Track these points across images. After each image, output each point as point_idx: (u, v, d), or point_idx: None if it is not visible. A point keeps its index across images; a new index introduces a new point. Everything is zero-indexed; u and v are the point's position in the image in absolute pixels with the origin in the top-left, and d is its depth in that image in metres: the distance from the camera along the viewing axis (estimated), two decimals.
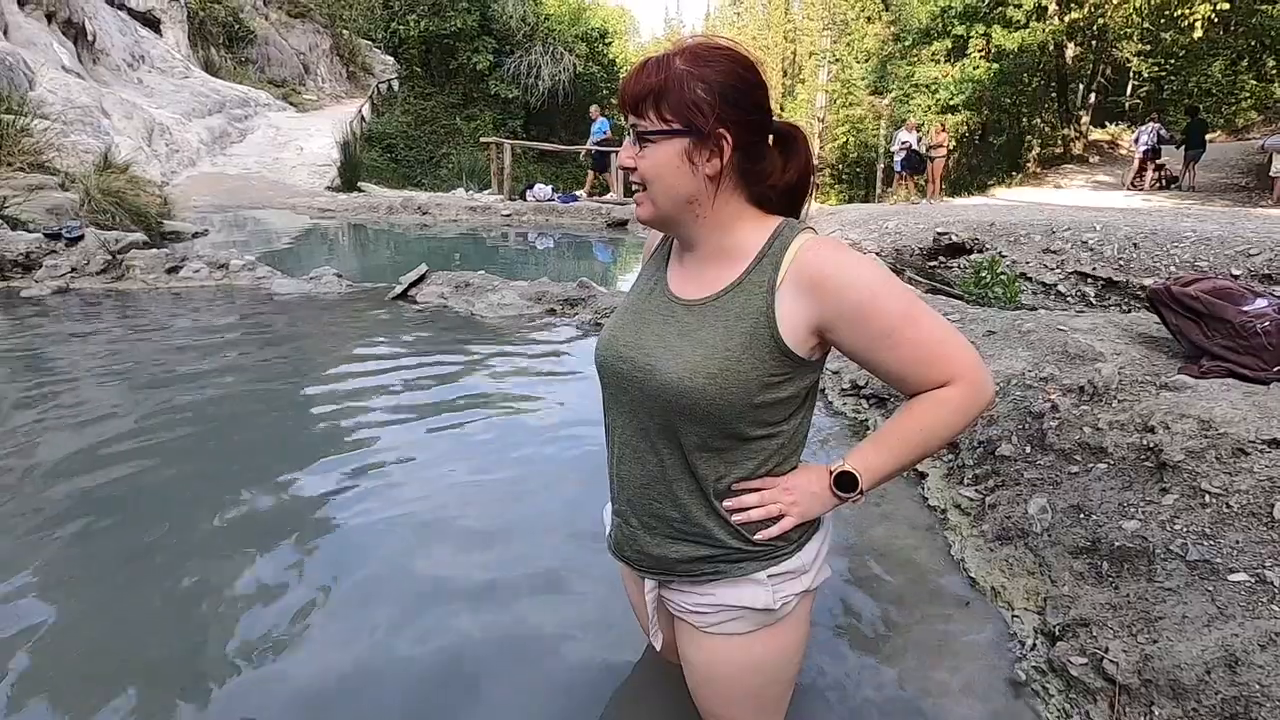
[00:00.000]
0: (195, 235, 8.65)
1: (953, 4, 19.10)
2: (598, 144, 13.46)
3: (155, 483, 2.41)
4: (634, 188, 1.00)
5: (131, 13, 15.72)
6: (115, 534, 2.10)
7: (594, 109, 14.13)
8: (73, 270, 5.45)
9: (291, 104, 18.96)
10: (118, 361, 3.66)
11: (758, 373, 0.95)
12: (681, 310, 1.02)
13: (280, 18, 21.36)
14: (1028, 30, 18.04)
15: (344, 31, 22.74)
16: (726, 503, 1.03)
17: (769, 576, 1.04)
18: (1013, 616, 1.77)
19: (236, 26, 19.37)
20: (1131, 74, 23.82)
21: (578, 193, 13.97)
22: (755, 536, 1.03)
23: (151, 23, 16.37)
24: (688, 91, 0.92)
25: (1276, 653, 1.30)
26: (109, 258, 5.59)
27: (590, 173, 14.48)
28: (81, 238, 5.68)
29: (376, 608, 1.80)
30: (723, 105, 0.93)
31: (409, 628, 1.73)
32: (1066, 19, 17.23)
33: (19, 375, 3.41)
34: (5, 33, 11.07)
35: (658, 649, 1.27)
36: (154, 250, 6.01)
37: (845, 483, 1.01)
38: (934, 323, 0.96)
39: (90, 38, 13.25)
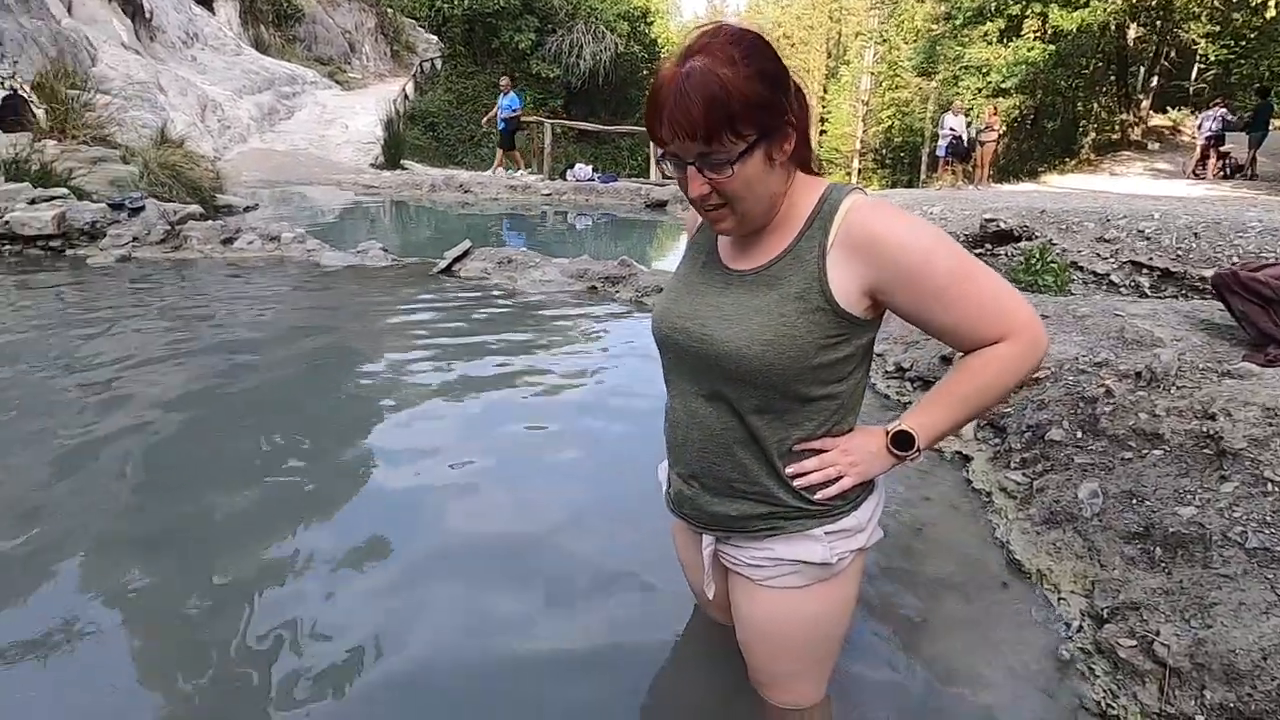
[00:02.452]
0: (246, 209, 8.89)
1: None
2: (506, 119, 12.98)
3: (204, 449, 2.49)
4: (710, 209, 0.96)
5: None
6: (163, 492, 2.19)
7: (504, 80, 13.39)
8: (135, 240, 5.66)
9: (337, 82, 19.22)
10: (179, 325, 3.81)
11: (813, 335, 0.97)
12: (735, 280, 1.03)
13: None
14: (1088, 9, 17.28)
15: (389, 10, 22.91)
16: (788, 468, 1.05)
17: (826, 533, 1.07)
18: (1059, 599, 1.76)
19: (285, 4, 19.66)
20: (1198, 57, 22.71)
21: (519, 171, 13.53)
22: (816, 497, 1.06)
23: (204, 1, 16.72)
24: (751, 96, 0.88)
25: None
26: (168, 228, 5.80)
27: (500, 150, 13.74)
28: (143, 208, 5.89)
29: (418, 577, 1.84)
30: (779, 92, 0.92)
31: (450, 594, 1.79)
32: None
33: (84, 338, 3.58)
34: (69, 9, 11.44)
35: (710, 603, 1.30)
36: (210, 222, 6.21)
37: (902, 442, 1.03)
38: (988, 279, 0.96)
39: (147, 15, 13.61)
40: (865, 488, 1.10)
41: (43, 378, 3.01)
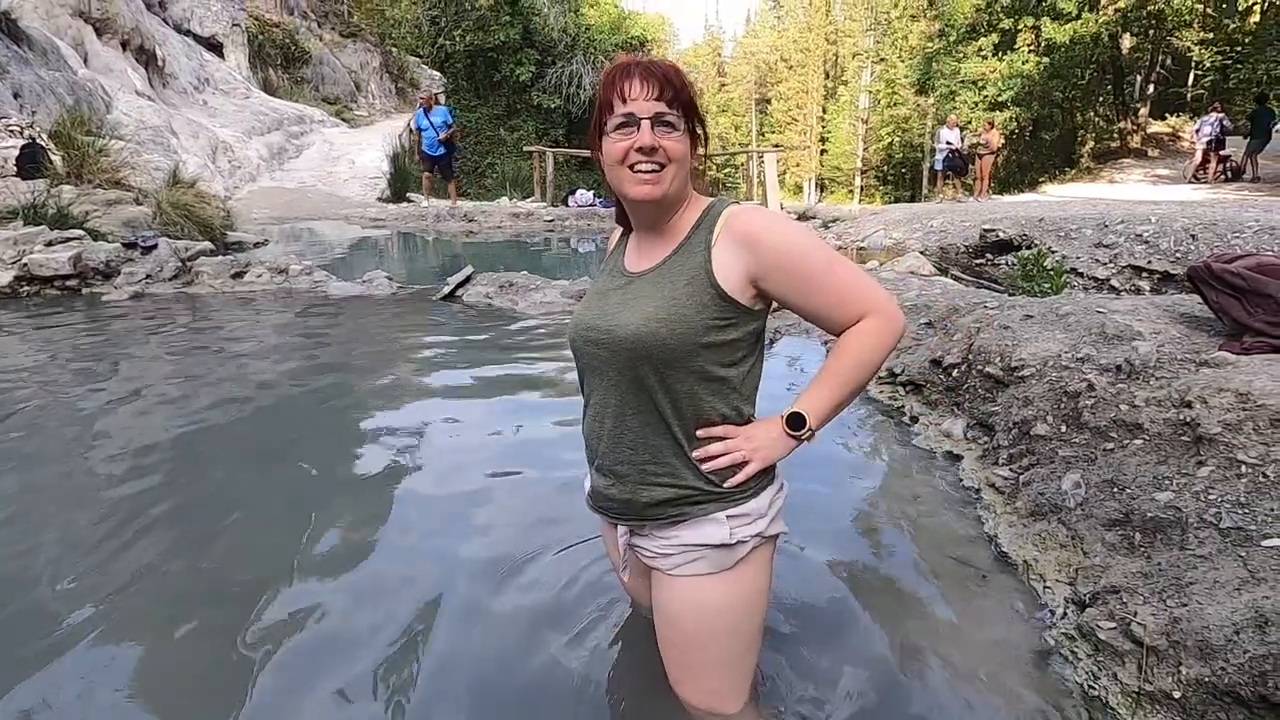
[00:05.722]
0: (256, 245, 9.08)
1: None
2: (445, 140, 11.91)
3: (217, 473, 2.58)
4: (646, 170, 1.11)
5: (197, 38, 16.61)
6: (172, 519, 2.22)
7: (431, 94, 11.88)
8: (148, 277, 5.82)
9: (344, 120, 19.67)
10: (189, 357, 3.92)
11: (701, 315, 1.11)
12: (635, 279, 1.19)
13: (333, 38, 22.21)
14: (1079, 21, 17.51)
15: (393, 49, 23.52)
16: (694, 453, 1.16)
17: (728, 517, 1.16)
18: (1044, 588, 1.79)
19: (293, 48, 20.22)
20: (1193, 64, 22.85)
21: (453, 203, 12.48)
22: (725, 484, 1.16)
23: (215, 47, 17.25)
24: (694, 93, 1.15)
25: None
26: (180, 265, 5.96)
27: (430, 173, 12.46)
28: (155, 247, 6.06)
29: (404, 583, 1.92)
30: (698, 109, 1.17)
31: (439, 598, 1.85)
32: (1116, 6, 16.68)
33: (99, 371, 3.68)
34: (86, 61, 11.85)
35: (638, 599, 1.40)
36: (220, 257, 6.37)
37: (795, 423, 1.15)
38: (849, 269, 1.15)
39: (160, 63, 14.06)
40: (766, 475, 1.19)
41: (58, 410, 3.10)
